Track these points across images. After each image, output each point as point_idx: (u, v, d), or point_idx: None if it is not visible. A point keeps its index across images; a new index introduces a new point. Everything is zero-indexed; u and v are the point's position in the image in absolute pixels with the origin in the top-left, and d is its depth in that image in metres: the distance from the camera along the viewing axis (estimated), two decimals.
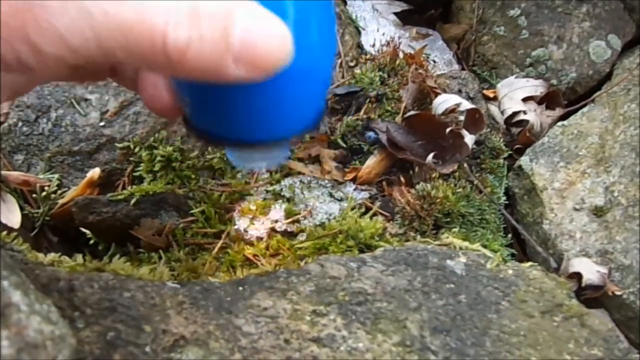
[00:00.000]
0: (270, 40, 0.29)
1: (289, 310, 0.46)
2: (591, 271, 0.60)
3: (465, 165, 0.65)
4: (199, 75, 0.29)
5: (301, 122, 0.41)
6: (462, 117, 0.69)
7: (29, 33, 0.26)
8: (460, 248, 0.57)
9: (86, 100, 0.69)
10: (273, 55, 0.29)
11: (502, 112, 0.79)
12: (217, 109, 0.38)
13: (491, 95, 0.83)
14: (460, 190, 0.65)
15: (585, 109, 0.78)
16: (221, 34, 0.28)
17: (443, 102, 0.65)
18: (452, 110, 0.66)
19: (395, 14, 0.87)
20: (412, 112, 0.69)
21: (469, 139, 0.63)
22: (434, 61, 0.86)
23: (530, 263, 0.59)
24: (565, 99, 0.80)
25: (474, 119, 0.64)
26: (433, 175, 0.65)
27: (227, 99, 0.37)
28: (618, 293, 0.60)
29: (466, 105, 0.65)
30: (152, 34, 0.27)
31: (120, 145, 0.68)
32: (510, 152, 0.74)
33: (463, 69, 0.86)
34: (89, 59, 0.28)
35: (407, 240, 0.61)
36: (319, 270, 0.50)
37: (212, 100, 0.37)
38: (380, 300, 0.48)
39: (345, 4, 0.87)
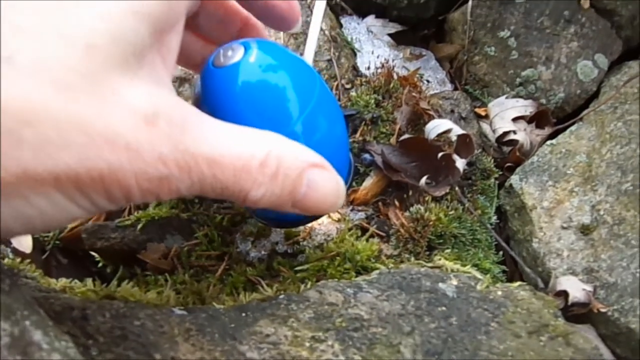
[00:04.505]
0: (327, 192, 0.38)
1: (289, 336, 0.49)
2: (577, 289, 0.63)
3: (457, 188, 0.68)
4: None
5: None
6: (454, 138, 0.72)
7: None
8: (452, 270, 0.60)
9: None
10: (327, 203, 0.38)
11: (494, 131, 0.81)
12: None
13: (483, 113, 0.85)
14: (453, 212, 0.68)
15: (573, 128, 0.81)
16: (290, 191, 0.36)
17: (435, 128, 0.67)
18: (446, 132, 0.69)
19: (390, 35, 0.90)
20: (406, 136, 0.72)
21: (460, 163, 0.66)
22: (428, 80, 0.89)
23: (518, 283, 0.62)
24: (554, 118, 0.83)
25: (464, 144, 0.67)
26: (426, 198, 0.68)
27: None
28: (603, 310, 0.63)
29: (457, 130, 0.68)
30: (240, 193, 0.35)
31: None
32: (501, 172, 0.76)
33: (456, 87, 0.89)
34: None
35: (402, 262, 0.64)
36: (317, 297, 0.53)
37: None
38: (376, 325, 0.51)
39: (341, 26, 0.90)
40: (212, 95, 0.50)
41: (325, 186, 0.37)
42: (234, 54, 0.49)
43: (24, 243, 0.69)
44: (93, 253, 0.67)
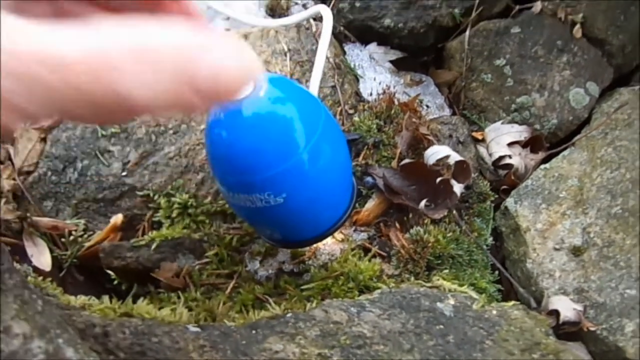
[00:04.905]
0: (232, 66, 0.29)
1: (297, 353, 0.53)
2: (568, 308, 0.66)
3: (454, 211, 0.72)
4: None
5: (339, 209, 0.60)
6: (452, 163, 0.76)
7: None
8: (449, 290, 0.64)
9: (109, 152, 0.76)
10: (234, 84, 0.29)
11: (490, 155, 0.85)
12: (270, 225, 0.61)
13: (480, 137, 0.89)
14: (450, 234, 0.71)
15: (566, 152, 0.84)
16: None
17: (434, 154, 0.71)
18: (444, 158, 0.73)
19: (391, 61, 0.94)
20: (406, 160, 0.76)
21: (458, 187, 0.70)
22: (427, 105, 0.93)
23: (512, 302, 0.65)
24: (548, 143, 0.87)
25: (462, 170, 0.70)
26: (425, 220, 0.72)
27: (276, 218, 0.59)
28: (592, 329, 0.66)
29: (455, 157, 0.71)
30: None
31: (141, 193, 0.74)
32: (497, 195, 0.80)
33: (454, 112, 0.93)
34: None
35: (402, 282, 0.68)
36: (323, 316, 0.57)
37: (261, 220, 0.60)
38: (378, 343, 0.54)
39: (345, 53, 0.94)
40: (225, 124, 0.54)
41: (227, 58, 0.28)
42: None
43: (44, 261, 0.73)
44: (110, 272, 0.71)
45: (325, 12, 0.81)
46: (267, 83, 0.54)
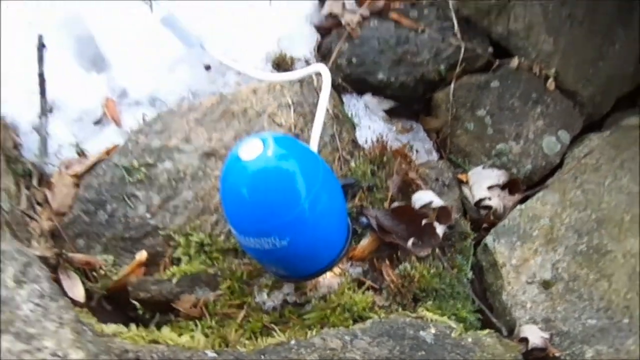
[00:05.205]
0: None
1: None
2: (537, 336, 0.76)
3: (438, 249, 0.82)
4: None
5: (336, 248, 0.71)
6: (436, 206, 0.86)
7: None
8: (431, 320, 0.74)
9: (135, 196, 0.86)
10: None
11: (473, 196, 0.96)
12: (276, 263, 0.72)
13: (464, 179, 1.00)
14: (434, 269, 0.81)
15: (540, 194, 0.95)
16: None
17: (419, 199, 0.82)
18: (429, 203, 0.83)
19: (384, 110, 1.05)
20: (396, 204, 0.86)
21: (440, 229, 0.80)
22: (417, 150, 1.03)
23: (487, 331, 0.75)
24: (524, 185, 0.97)
25: (444, 214, 0.81)
26: (412, 257, 0.82)
27: (281, 258, 0.70)
28: (557, 355, 0.76)
29: (438, 202, 0.82)
30: None
31: (162, 232, 0.85)
32: (477, 234, 0.90)
33: (441, 156, 1.04)
34: None
35: (391, 312, 0.78)
36: (321, 343, 0.67)
37: (268, 259, 0.71)
38: None
39: (343, 103, 1.05)
40: (238, 178, 0.65)
41: None
42: (255, 148, 0.64)
43: (77, 293, 0.83)
44: (135, 303, 0.81)
45: (324, 71, 0.92)
46: (274, 142, 0.65)
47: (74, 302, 0.81)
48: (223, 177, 0.69)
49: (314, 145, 0.83)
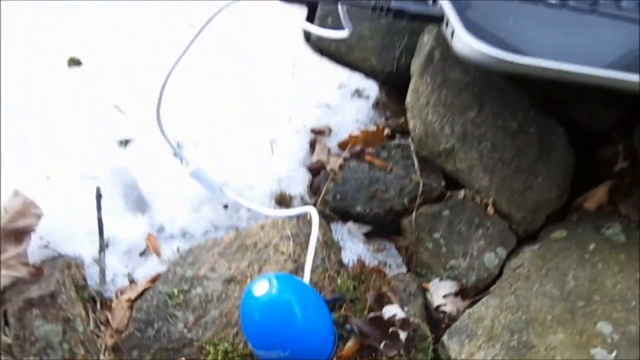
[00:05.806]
0: None
1: None
2: None
3: (402, 350, 1.10)
4: None
5: (326, 352, 1.00)
6: (399, 318, 1.14)
7: None
8: None
9: (175, 316, 1.15)
10: None
11: (433, 303, 1.24)
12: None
13: (428, 287, 1.28)
14: None
15: (484, 299, 1.22)
16: None
17: (388, 312, 1.10)
18: (394, 315, 1.12)
19: (363, 234, 1.35)
20: (372, 314, 1.14)
21: (403, 335, 1.08)
22: (390, 265, 1.32)
23: None
24: (472, 292, 1.26)
25: (405, 324, 1.09)
26: (383, 357, 1.09)
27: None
28: None
29: (400, 315, 1.10)
30: None
31: (197, 343, 1.12)
32: (434, 335, 1.18)
33: (409, 269, 1.33)
34: None
35: None
36: None
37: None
38: None
39: (330, 230, 1.35)
40: (251, 307, 0.95)
41: None
42: (263, 286, 0.94)
43: None
44: None
45: (313, 212, 1.23)
46: (276, 281, 0.95)
47: None
48: (242, 306, 0.99)
49: (307, 271, 1.12)
